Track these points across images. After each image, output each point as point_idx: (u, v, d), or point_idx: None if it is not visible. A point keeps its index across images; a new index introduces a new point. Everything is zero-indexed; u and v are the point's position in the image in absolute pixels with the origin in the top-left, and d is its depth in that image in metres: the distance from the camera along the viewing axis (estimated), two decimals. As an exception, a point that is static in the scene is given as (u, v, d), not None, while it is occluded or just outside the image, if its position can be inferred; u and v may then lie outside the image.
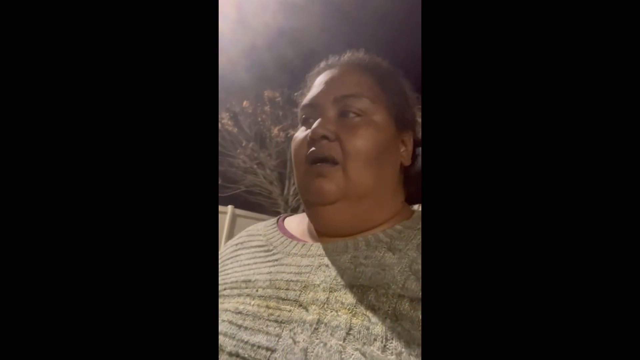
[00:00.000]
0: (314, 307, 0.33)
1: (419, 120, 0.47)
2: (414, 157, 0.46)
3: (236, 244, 0.51)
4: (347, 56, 0.47)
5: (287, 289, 0.36)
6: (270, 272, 0.40)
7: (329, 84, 0.43)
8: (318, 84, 0.44)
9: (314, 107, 0.43)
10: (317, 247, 0.41)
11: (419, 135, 0.47)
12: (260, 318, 0.35)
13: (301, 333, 0.31)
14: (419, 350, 0.27)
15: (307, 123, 0.43)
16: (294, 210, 6.75)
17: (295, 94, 0.49)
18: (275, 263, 0.41)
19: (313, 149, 0.40)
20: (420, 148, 0.47)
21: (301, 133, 0.43)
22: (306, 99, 0.44)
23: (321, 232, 0.43)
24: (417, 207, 0.47)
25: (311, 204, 0.42)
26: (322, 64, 0.48)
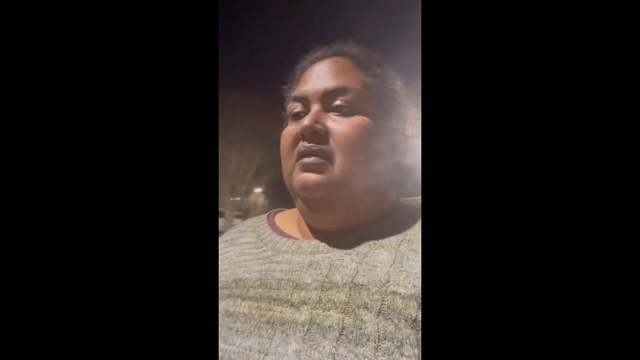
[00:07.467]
0: (305, 307, 0.32)
1: (411, 114, 0.46)
2: (406, 151, 0.46)
3: (226, 241, 0.50)
4: (336, 47, 0.45)
5: (278, 289, 0.36)
6: (261, 271, 0.39)
7: (318, 77, 0.41)
8: (307, 77, 0.43)
9: (304, 101, 0.42)
10: (307, 244, 0.40)
11: (413, 129, 0.46)
12: (252, 319, 0.34)
13: (293, 335, 0.31)
14: (411, 350, 0.27)
15: (297, 117, 0.42)
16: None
17: (283, 87, 0.48)
18: (266, 261, 0.41)
19: (304, 143, 0.39)
20: (414, 141, 0.47)
21: (291, 127, 0.42)
22: (296, 93, 0.43)
23: (312, 226, 0.43)
24: (413, 200, 0.47)
25: (302, 199, 0.41)
26: (311, 56, 0.46)
